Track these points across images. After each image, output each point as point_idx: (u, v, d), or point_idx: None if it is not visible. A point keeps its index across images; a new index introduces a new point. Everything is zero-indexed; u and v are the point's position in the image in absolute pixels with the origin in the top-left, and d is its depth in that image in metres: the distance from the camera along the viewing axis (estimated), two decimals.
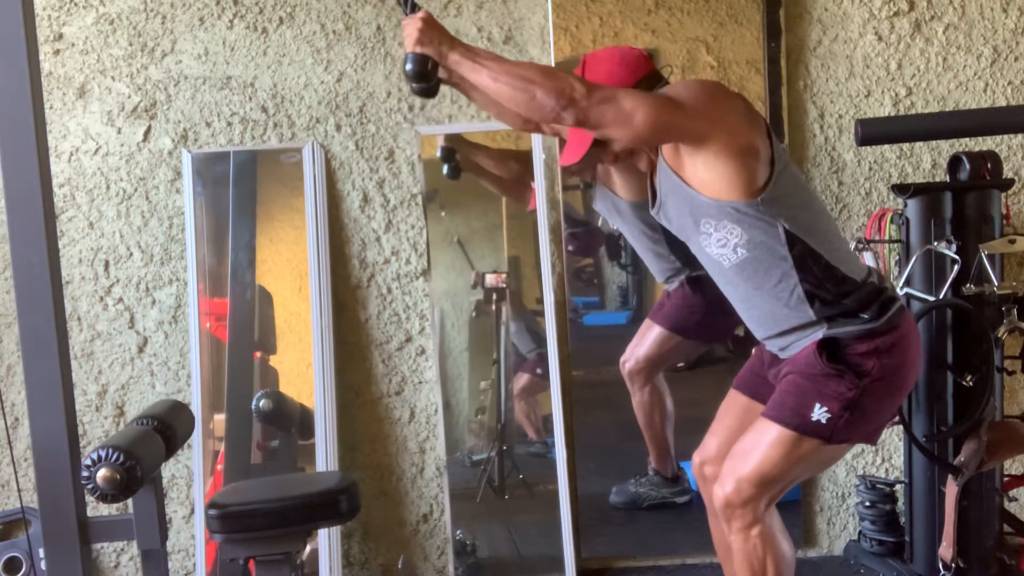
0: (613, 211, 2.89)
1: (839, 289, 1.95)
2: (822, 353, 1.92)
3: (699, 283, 2.79)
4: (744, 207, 1.91)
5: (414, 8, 1.94)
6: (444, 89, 2.94)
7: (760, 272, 1.96)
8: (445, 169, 2.93)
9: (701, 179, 1.93)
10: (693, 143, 1.90)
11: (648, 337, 2.92)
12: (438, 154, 2.92)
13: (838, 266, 1.96)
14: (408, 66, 1.88)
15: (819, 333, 1.96)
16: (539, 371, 2.96)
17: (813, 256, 1.94)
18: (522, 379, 3.03)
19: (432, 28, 1.87)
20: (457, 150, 2.93)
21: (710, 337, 2.99)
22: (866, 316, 1.94)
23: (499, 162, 2.97)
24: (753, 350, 2.28)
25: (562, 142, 2.24)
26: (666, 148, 1.99)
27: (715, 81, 1.99)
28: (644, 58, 2.06)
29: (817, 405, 1.91)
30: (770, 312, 2.00)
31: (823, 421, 1.91)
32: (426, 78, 1.90)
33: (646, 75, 2.03)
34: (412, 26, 1.87)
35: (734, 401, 2.23)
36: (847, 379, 1.91)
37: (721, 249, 1.97)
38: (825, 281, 1.95)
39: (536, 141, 2.92)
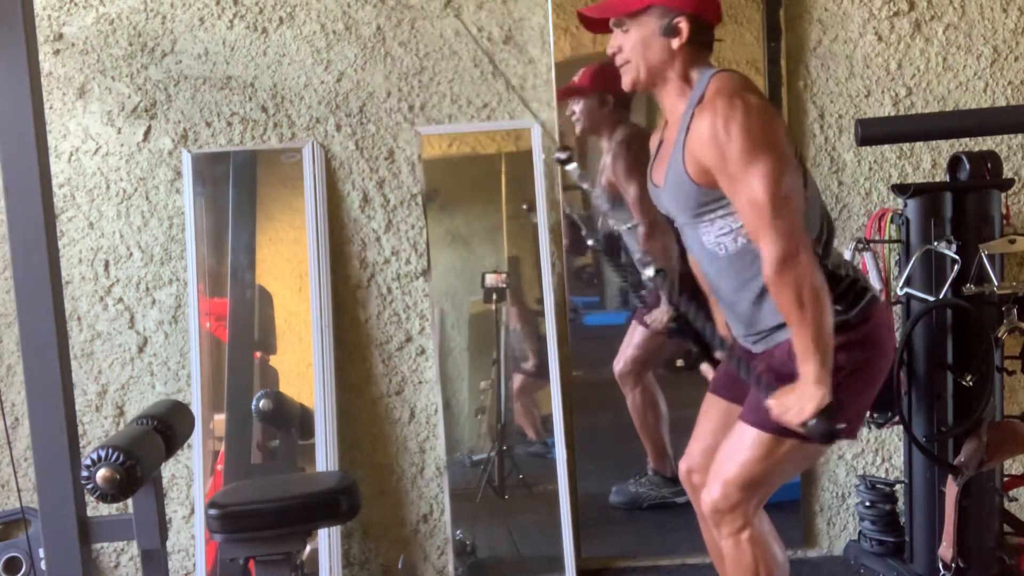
0: (608, 208, 2.89)
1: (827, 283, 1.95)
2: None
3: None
4: None
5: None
6: (444, 88, 2.98)
7: (756, 264, 1.92)
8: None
9: (712, 180, 1.89)
10: None
11: (633, 338, 2.95)
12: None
13: (827, 263, 1.95)
14: (819, 429, 1.83)
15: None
16: (533, 370, 2.96)
17: None
18: (517, 379, 3.03)
19: (818, 394, 1.82)
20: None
21: (692, 334, 2.98)
22: (839, 308, 1.92)
23: None
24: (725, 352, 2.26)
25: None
26: (692, 158, 1.91)
27: (762, 113, 1.84)
28: (716, 10, 1.97)
29: None
30: (760, 307, 1.98)
31: None
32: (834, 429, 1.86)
33: (703, 17, 1.93)
34: (810, 406, 1.82)
35: (713, 406, 2.21)
36: None
37: (722, 237, 1.95)
38: None
39: (536, 144, 2.92)
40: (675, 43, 1.92)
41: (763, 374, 1.97)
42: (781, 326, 1.96)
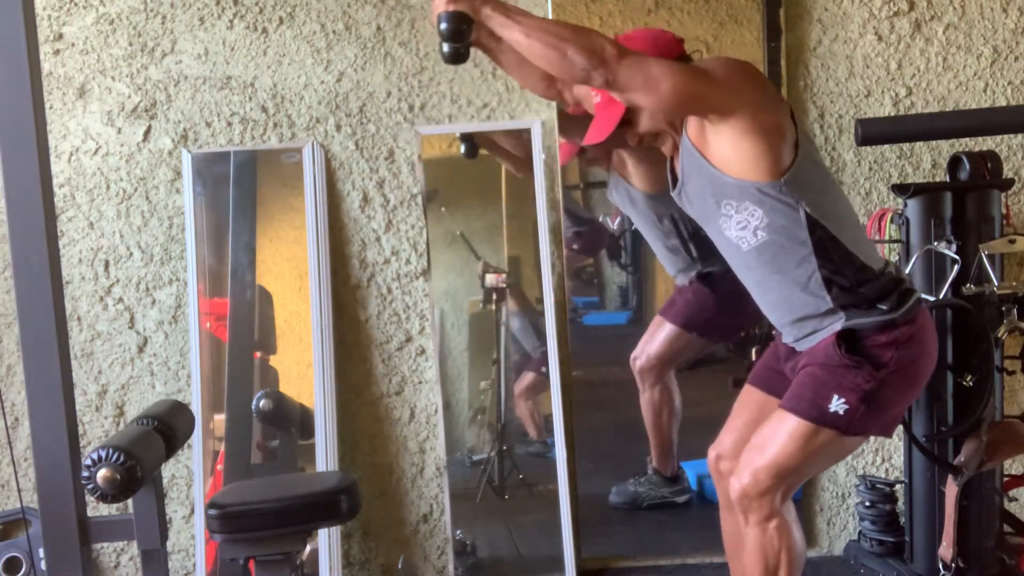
0: (627, 202, 2.89)
1: (857, 277, 1.95)
2: (841, 344, 1.92)
3: (710, 279, 2.79)
4: (767, 188, 1.91)
5: None
6: (444, 88, 2.97)
7: (780, 256, 1.96)
8: (463, 148, 2.91)
9: (726, 158, 1.93)
10: (719, 116, 1.89)
11: (660, 334, 2.91)
12: (459, 135, 2.90)
13: (856, 254, 1.96)
14: (443, 25, 1.82)
15: (837, 324, 1.96)
16: (544, 369, 2.96)
17: (832, 242, 1.94)
18: (527, 378, 3.02)
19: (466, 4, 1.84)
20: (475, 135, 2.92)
21: (721, 335, 2.99)
22: (884, 307, 1.94)
23: (516, 140, 2.97)
24: (768, 345, 2.28)
25: (570, 121, 2.21)
26: (691, 127, 1.99)
27: (745, 60, 1.99)
28: (677, 42, 2.05)
29: (835, 396, 1.92)
30: (787, 296, 2.00)
31: (841, 413, 1.91)
32: (461, 36, 1.85)
33: (675, 59, 2.00)
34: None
35: (749, 396, 2.23)
36: (865, 371, 1.91)
37: (741, 231, 1.97)
38: (843, 268, 1.95)
39: (536, 142, 2.92)
40: None
41: (809, 367, 1.98)
42: (816, 316, 1.97)
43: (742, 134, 1.89)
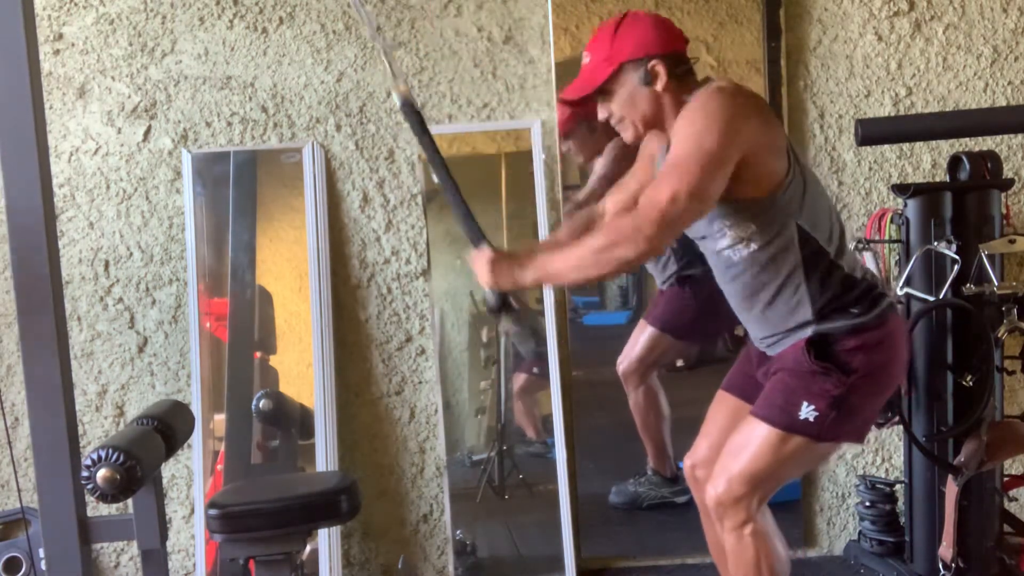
0: None
1: (840, 287, 1.96)
2: (810, 351, 1.93)
3: (690, 281, 2.80)
4: (762, 203, 1.91)
5: (481, 241, 1.97)
6: (444, 88, 2.98)
7: (770, 268, 1.96)
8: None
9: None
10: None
11: (641, 338, 2.93)
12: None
13: (842, 264, 1.97)
14: (490, 302, 1.99)
15: (810, 329, 1.96)
16: (536, 370, 2.96)
17: (821, 254, 1.94)
18: (519, 379, 3.02)
19: (501, 265, 1.90)
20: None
21: (702, 337, 2.99)
22: (856, 311, 1.94)
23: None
24: (741, 351, 2.28)
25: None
26: None
27: (722, 94, 1.89)
28: (680, 37, 2.01)
29: (805, 403, 1.91)
30: (773, 310, 2.00)
31: (811, 420, 1.91)
32: (508, 307, 2.00)
33: (672, 52, 1.96)
34: (482, 268, 1.91)
35: (723, 403, 2.22)
36: (834, 377, 1.91)
37: (734, 245, 1.97)
38: (829, 279, 1.95)
39: (536, 144, 2.92)
40: (658, 86, 1.95)
41: (779, 373, 1.98)
42: (794, 328, 1.98)
43: (742, 166, 1.87)
